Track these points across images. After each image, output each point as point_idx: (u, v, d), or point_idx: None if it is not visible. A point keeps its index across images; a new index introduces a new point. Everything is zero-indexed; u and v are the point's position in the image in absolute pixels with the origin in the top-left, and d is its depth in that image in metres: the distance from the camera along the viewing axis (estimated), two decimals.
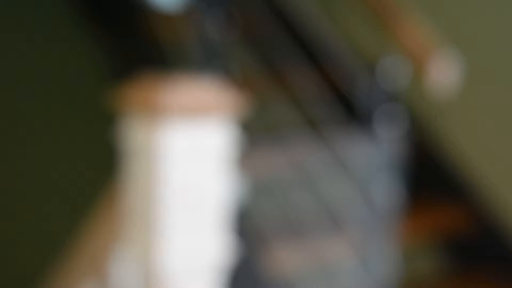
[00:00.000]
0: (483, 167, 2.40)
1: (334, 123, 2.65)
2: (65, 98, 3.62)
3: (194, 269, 1.00)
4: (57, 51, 3.57)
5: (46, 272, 3.74)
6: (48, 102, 3.58)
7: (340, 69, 2.78)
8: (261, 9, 3.04)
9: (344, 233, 2.15)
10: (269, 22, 2.88)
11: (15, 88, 3.50)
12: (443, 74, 1.54)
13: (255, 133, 3.16)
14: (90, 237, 1.28)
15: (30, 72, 3.52)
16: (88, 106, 3.66)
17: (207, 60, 1.99)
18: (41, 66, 3.54)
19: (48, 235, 3.70)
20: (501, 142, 2.35)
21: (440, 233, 2.27)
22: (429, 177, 2.53)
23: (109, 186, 3.72)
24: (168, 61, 3.25)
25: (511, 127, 2.32)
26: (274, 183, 2.99)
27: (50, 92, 3.59)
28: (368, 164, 1.62)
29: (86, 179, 3.71)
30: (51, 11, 3.52)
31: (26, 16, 3.46)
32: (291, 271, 1.91)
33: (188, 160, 0.96)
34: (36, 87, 3.55)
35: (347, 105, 2.78)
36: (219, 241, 1.02)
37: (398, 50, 1.62)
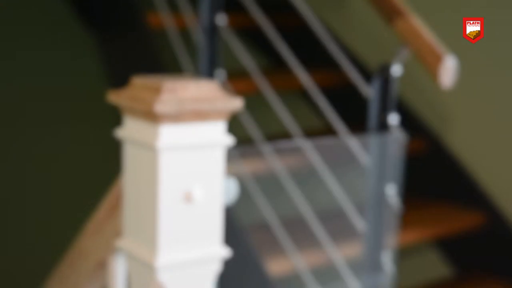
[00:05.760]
0: (484, 168, 2.39)
1: (340, 123, 2.65)
2: (66, 99, 3.61)
3: (193, 269, 0.99)
4: (58, 51, 3.56)
5: (47, 271, 3.72)
6: (49, 102, 3.58)
7: (348, 71, 2.76)
8: (265, 8, 3.03)
9: (344, 234, 2.13)
10: (275, 20, 2.86)
11: (17, 89, 3.49)
12: (450, 77, 1.53)
13: (263, 132, 3.16)
14: (90, 237, 1.27)
15: (31, 72, 3.51)
16: (89, 107, 3.66)
17: (207, 60, 1.98)
18: (43, 67, 3.53)
19: (48, 234, 3.69)
20: (502, 143, 2.34)
21: (440, 233, 2.26)
22: (431, 177, 2.52)
23: (109, 186, 3.71)
24: (168, 62, 3.24)
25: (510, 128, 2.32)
26: (277, 182, 2.98)
27: (51, 93, 3.58)
28: (370, 165, 1.60)
29: (86, 179, 3.70)
30: (52, 13, 3.51)
31: (27, 18, 3.45)
32: (291, 271, 1.90)
33: (187, 160, 0.96)
34: (38, 88, 3.54)
35: (354, 105, 2.77)
36: (218, 241, 1.01)
37: (406, 53, 1.61)
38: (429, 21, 2.48)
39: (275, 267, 1.87)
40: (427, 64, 1.54)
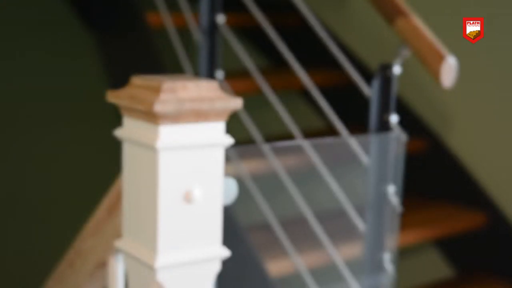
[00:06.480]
0: (485, 168, 2.39)
1: (340, 123, 2.65)
2: (66, 99, 3.61)
3: (193, 269, 0.99)
4: (58, 51, 3.56)
5: (47, 271, 3.72)
6: (49, 102, 3.58)
7: (348, 71, 2.76)
8: (265, 7, 3.03)
9: (344, 234, 2.13)
10: (275, 20, 2.86)
11: (17, 89, 3.49)
12: (450, 77, 1.53)
13: (262, 132, 3.16)
14: (90, 237, 1.27)
15: (31, 72, 3.51)
16: (89, 107, 3.66)
17: (207, 60, 1.98)
18: (43, 67, 3.53)
19: (48, 234, 3.69)
20: (502, 143, 2.34)
21: (440, 233, 2.26)
22: (431, 177, 2.52)
23: (109, 186, 3.70)
24: (168, 62, 3.23)
25: (510, 129, 2.32)
26: (277, 182, 2.98)
27: (51, 93, 3.58)
28: (370, 165, 1.60)
29: (86, 179, 3.70)
30: (52, 13, 3.51)
31: (27, 18, 3.45)
32: (291, 271, 1.90)
33: (187, 160, 0.95)
34: (38, 88, 3.54)
35: (354, 105, 2.77)
36: (217, 241, 1.01)
37: (407, 53, 1.60)
38: (429, 21, 2.48)
39: (275, 267, 1.87)
40: (427, 63, 1.54)
